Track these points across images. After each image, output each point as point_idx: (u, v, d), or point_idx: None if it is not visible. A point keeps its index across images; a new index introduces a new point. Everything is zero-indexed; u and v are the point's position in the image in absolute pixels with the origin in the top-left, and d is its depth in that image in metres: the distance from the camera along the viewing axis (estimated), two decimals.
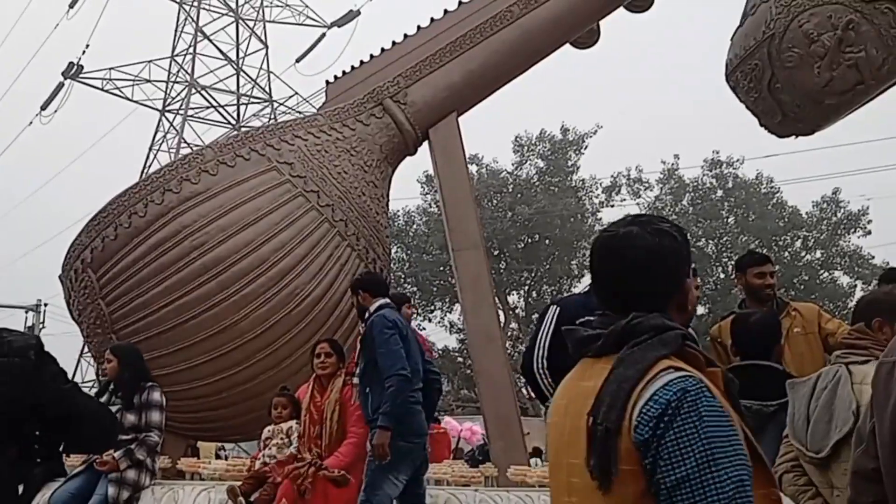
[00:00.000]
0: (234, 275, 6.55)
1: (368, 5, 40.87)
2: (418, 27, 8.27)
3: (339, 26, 39.11)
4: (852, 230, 28.86)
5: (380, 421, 4.74)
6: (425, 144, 8.16)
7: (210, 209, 6.63)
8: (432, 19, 8.27)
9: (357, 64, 8.22)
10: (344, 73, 8.21)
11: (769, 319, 4.42)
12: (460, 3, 8.28)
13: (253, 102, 37.52)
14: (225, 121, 36.43)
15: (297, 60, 38.68)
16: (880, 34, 7.12)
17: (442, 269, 28.21)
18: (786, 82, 7.46)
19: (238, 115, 36.79)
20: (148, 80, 35.75)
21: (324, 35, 39.06)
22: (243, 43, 37.54)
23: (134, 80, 35.65)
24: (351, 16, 38.96)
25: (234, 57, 37.21)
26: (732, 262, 29.25)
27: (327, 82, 8.30)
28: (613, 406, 1.69)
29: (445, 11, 8.26)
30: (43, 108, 36.90)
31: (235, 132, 35.53)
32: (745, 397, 3.11)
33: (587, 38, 8.76)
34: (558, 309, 4.51)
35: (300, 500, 4.92)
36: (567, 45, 8.67)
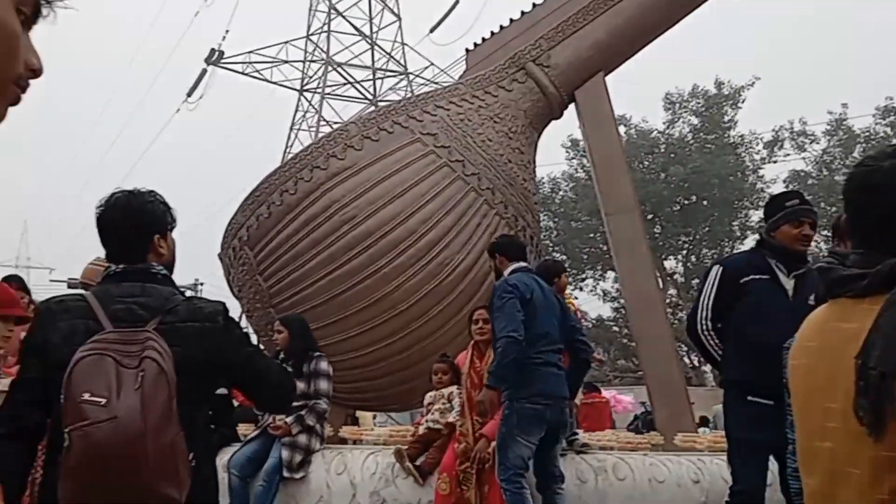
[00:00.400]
0: (383, 247, 6.72)
1: None
2: None
3: None
4: None
5: (487, 380, 4.95)
6: (571, 107, 8.11)
7: (357, 183, 6.84)
8: None
9: (496, 29, 8.23)
10: (484, 39, 8.24)
11: None
12: None
13: (389, 76, 38.12)
14: (362, 96, 37.22)
15: (431, 31, 39.02)
16: None
17: (591, 235, 27.88)
18: None
19: (374, 89, 37.49)
20: (286, 61, 36.95)
21: (457, 3, 39.15)
22: (376, 17, 38.10)
23: (272, 62, 36.95)
24: None
25: (367, 32, 37.86)
26: None
27: (467, 50, 8.36)
28: (890, 350, 1.59)
29: None
30: (189, 94, 38.90)
31: (374, 107, 36.36)
32: None
33: None
34: (721, 269, 4.49)
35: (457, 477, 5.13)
36: None
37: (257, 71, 36.87)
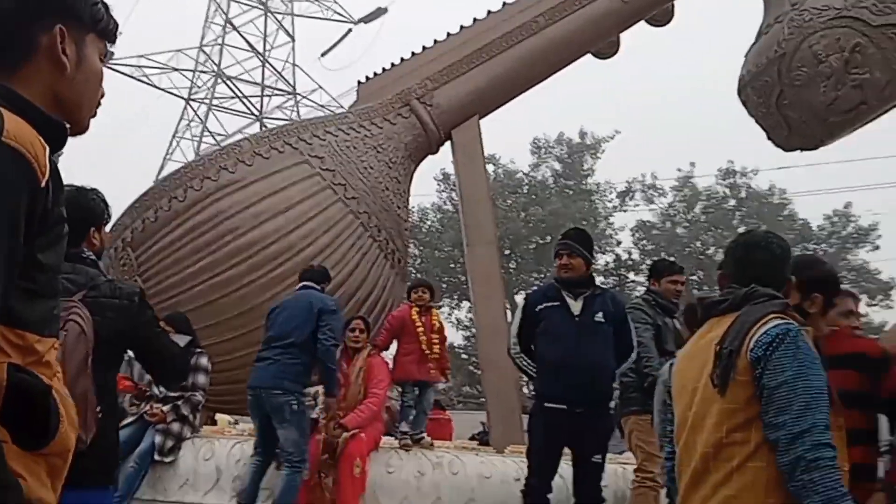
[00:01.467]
0: (263, 258, 6.95)
1: (396, 4, 41.25)
2: (448, 34, 8.67)
3: (365, 23, 39.63)
4: (861, 244, 29.09)
5: None
6: (447, 144, 8.59)
7: (245, 197, 7.05)
8: (462, 27, 8.67)
9: (388, 66, 8.63)
10: (375, 74, 8.63)
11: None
12: (489, 12, 8.68)
13: (277, 94, 38.03)
14: (248, 111, 36.95)
15: (323, 55, 39.27)
16: (885, 58, 7.49)
17: (452, 265, 28.59)
18: (793, 99, 7.85)
19: (261, 105, 37.31)
20: (176, 69, 36.34)
21: (350, 31, 39.59)
22: (270, 36, 38.13)
23: (162, 69, 36.24)
24: (378, 13, 39.46)
25: (260, 49, 37.72)
26: None
27: (359, 82, 8.72)
28: (736, 337, 2.45)
29: (475, 20, 8.66)
30: None
31: (259, 123, 36.06)
32: None
33: (608, 48, 9.14)
34: (525, 301, 5.51)
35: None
36: (589, 55, 9.06)
37: (146, 76, 36.00)
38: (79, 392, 2.45)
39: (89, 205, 2.99)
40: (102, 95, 1.61)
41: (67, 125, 1.52)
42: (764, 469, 2.35)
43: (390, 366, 6.46)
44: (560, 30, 8.49)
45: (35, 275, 1.39)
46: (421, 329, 6.44)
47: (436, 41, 8.71)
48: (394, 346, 6.63)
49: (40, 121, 1.42)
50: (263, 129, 36.68)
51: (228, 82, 36.86)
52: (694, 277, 29.44)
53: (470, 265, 8.38)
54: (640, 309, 5.85)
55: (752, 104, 8.36)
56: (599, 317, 5.24)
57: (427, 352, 6.50)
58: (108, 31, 1.60)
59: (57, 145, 1.47)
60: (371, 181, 7.63)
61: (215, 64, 36.67)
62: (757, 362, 2.37)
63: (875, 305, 28.75)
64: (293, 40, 38.47)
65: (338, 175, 7.44)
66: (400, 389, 6.78)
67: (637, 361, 5.58)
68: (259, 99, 37.77)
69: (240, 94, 37.07)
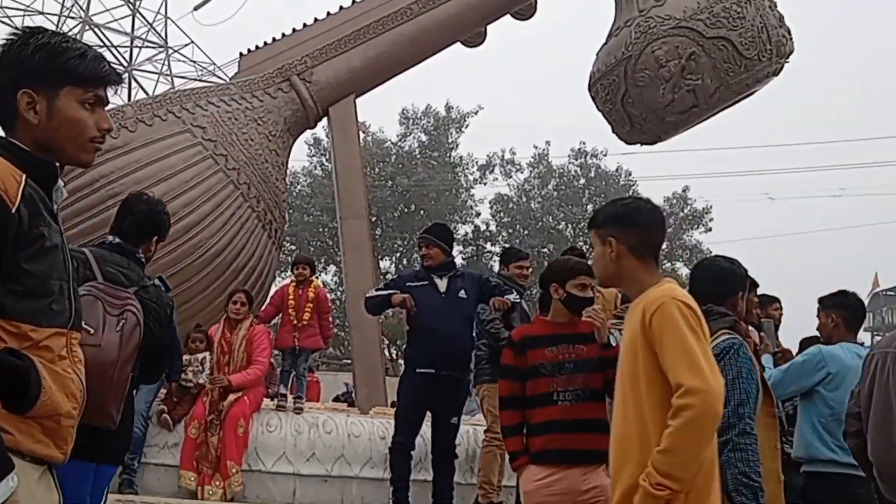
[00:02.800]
0: None
1: None
2: (328, 13, 8.83)
3: None
4: (696, 226, 31.08)
5: None
6: (324, 120, 8.81)
7: (126, 162, 7.04)
8: (341, 7, 8.85)
9: (269, 39, 8.72)
10: (257, 46, 8.69)
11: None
12: None
13: (147, 46, 36.49)
14: (117, 62, 35.28)
15: (196, 9, 37.90)
16: (715, 66, 8.28)
17: (320, 230, 28.62)
18: (636, 98, 8.55)
19: (131, 57, 35.73)
20: (41, 13, 34.21)
21: None
22: None
23: (25, 11, 34.05)
24: None
25: None
26: (588, 246, 31.06)
27: (241, 54, 8.76)
28: None
29: (353, 1, 8.86)
30: None
31: (127, 74, 34.48)
32: None
33: (476, 38, 9.55)
34: (396, 276, 6.37)
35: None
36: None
37: (8, 17, 33.65)
38: (123, 377, 2.81)
39: (159, 218, 3.47)
40: (102, 130, 1.94)
41: (58, 163, 1.88)
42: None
43: (272, 335, 6.85)
44: (432, 18, 8.75)
45: (22, 279, 1.70)
46: (292, 302, 6.96)
47: (316, 19, 8.85)
48: None
49: (31, 162, 1.78)
50: (133, 80, 35.38)
51: (96, 30, 35.06)
52: (545, 250, 30.67)
53: (343, 236, 8.68)
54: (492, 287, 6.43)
55: (600, 100, 9.00)
56: (462, 294, 5.96)
57: (296, 322, 7.02)
58: (86, 79, 1.90)
59: (51, 179, 1.84)
60: (251, 153, 7.74)
61: (83, 10, 34.79)
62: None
63: None
64: None
65: (219, 145, 7.52)
66: (279, 355, 7.22)
67: (491, 335, 6.19)
68: (128, 50, 36.16)
69: (108, 44, 35.30)
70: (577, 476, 3.81)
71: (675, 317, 2.57)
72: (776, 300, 6.95)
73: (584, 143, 30.43)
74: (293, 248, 28.77)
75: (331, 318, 7.63)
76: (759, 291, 6.54)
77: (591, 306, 4.09)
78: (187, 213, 7.19)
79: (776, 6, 8.59)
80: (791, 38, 8.70)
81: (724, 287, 3.52)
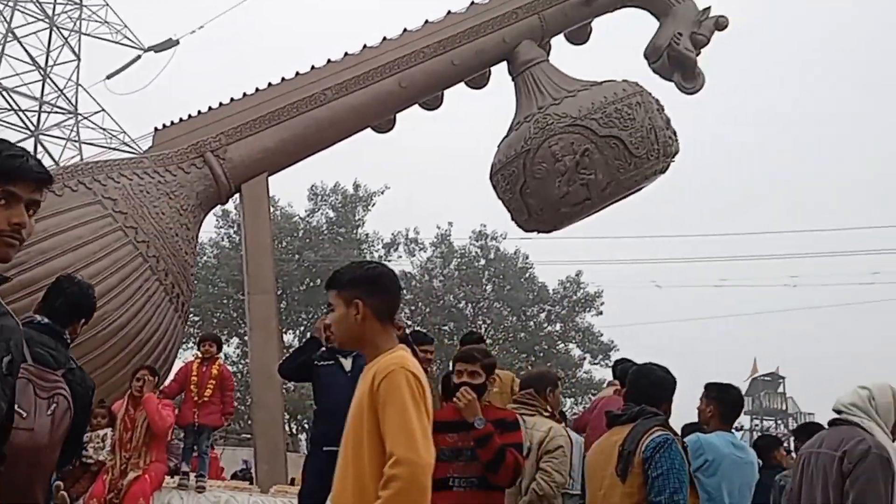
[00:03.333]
0: None
1: (188, 37, 40.04)
2: (244, 93, 8.96)
3: (155, 52, 38.21)
4: (587, 309, 31.90)
5: None
6: (236, 196, 8.85)
7: (34, 233, 6.88)
8: (257, 88, 8.99)
9: (185, 116, 8.76)
10: (172, 122, 8.70)
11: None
12: (283, 79, 9.07)
13: (56, 112, 35.54)
14: (24, 126, 34.25)
15: (108, 77, 37.37)
16: (607, 163, 8.78)
17: (225, 301, 28.07)
18: (534, 190, 8.94)
19: (38, 122, 34.71)
20: None
21: (139, 57, 38.01)
22: (55, 51, 35.60)
23: None
24: (169, 44, 38.21)
25: (42, 63, 35.20)
26: (487, 324, 31.48)
27: (156, 129, 8.75)
28: (633, 441, 3.61)
29: (269, 84, 9.02)
30: None
31: (35, 140, 33.51)
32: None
33: (386, 124, 9.83)
34: None
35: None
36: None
37: None
38: (52, 461, 2.76)
39: (88, 301, 3.42)
40: (11, 225, 1.97)
41: None
42: None
43: (176, 411, 6.68)
44: (344, 104, 8.98)
45: None
46: (195, 378, 6.86)
47: (232, 99, 8.95)
48: None
49: None
50: (39, 146, 34.33)
51: (4, 94, 34.02)
52: (445, 328, 30.88)
53: (250, 311, 8.63)
54: None
55: (500, 189, 9.37)
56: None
57: (197, 399, 6.93)
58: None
59: None
60: (162, 226, 7.68)
61: None
62: (646, 461, 3.58)
63: (597, 364, 31.56)
64: (78, 59, 36.14)
65: (129, 218, 7.43)
66: (181, 433, 7.05)
67: None
68: (36, 114, 35.14)
69: (16, 108, 34.28)
70: None
71: (401, 386, 2.56)
72: None
73: (484, 226, 31.08)
74: (197, 318, 28.04)
75: (233, 396, 7.51)
76: None
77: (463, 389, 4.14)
78: (93, 284, 7.01)
79: (663, 109, 9.21)
80: (677, 139, 9.33)
81: (660, 393, 3.95)
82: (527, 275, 31.62)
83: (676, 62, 9.53)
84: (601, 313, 31.69)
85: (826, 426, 3.99)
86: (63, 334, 3.23)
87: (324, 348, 6.23)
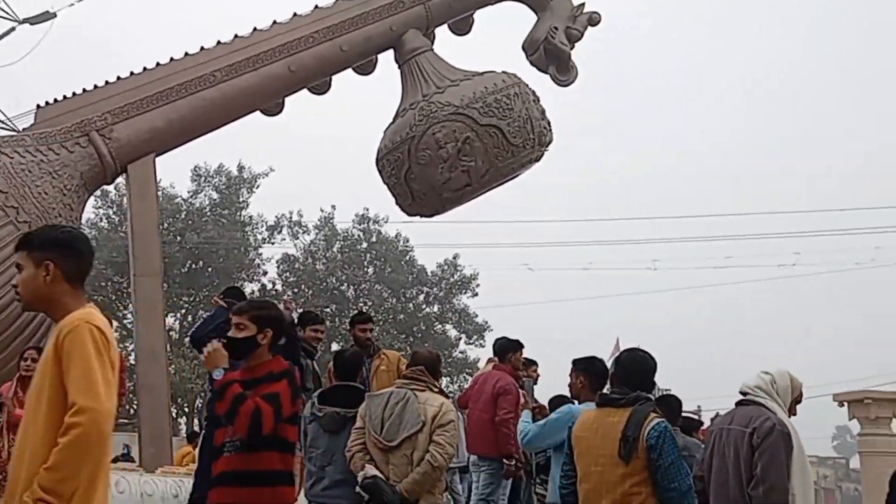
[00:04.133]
0: None
1: (65, 11, 37.71)
2: (131, 72, 8.63)
3: (31, 24, 35.81)
4: (464, 291, 32.43)
5: None
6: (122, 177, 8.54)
7: None
8: (145, 68, 8.67)
9: (69, 94, 8.35)
10: (56, 100, 8.28)
11: (356, 356, 5.79)
12: (171, 59, 8.80)
13: None
14: None
15: None
16: (487, 150, 8.99)
17: (104, 284, 26.87)
18: (418, 175, 9.07)
19: None
20: None
21: (13, 29, 35.52)
22: None
23: None
24: (46, 16, 35.77)
25: None
26: (368, 306, 31.45)
27: (38, 106, 8.31)
28: (636, 427, 3.88)
29: (157, 63, 8.72)
30: None
31: None
32: (337, 405, 4.66)
33: (275, 108, 9.69)
34: None
35: None
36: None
37: None
38: None
39: None
40: None
41: None
42: None
43: None
44: (234, 86, 8.76)
45: None
46: None
47: (119, 77, 8.59)
48: None
49: None
50: None
51: None
52: (328, 310, 30.67)
53: (135, 294, 8.37)
54: None
55: (385, 173, 9.44)
56: None
57: None
58: None
59: None
60: (44, 206, 7.31)
61: None
62: (652, 448, 3.86)
63: (472, 344, 32.16)
64: None
65: (10, 197, 7.04)
66: None
67: None
68: None
69: None
70: None
71: (85, 340, 2.56)
72: (534, 363, 7.64)
73: (367, 210, 30.99)
74: None
75: (125, 377, 7.28)
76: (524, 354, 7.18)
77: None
78: None
79: (539, 100, 9.51)
80: (551, 129, 9.65)
81: (650, 379, 4.24)
82: (407, 257, 31.81)
83: (552, 55, 9.85)
84: (476, 295, 32.30)
85: (735, 405, 4.59)
86: None
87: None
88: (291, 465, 3.81)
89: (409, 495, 4.55)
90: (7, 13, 34.95)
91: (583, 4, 9.87)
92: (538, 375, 7.12)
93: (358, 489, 4.60)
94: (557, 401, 6.16)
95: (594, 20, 9.86)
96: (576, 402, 5.31)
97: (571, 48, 9.83)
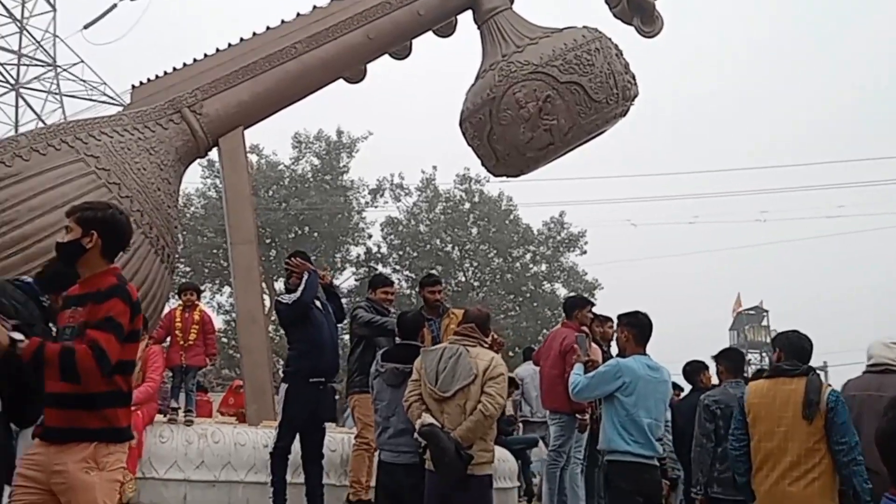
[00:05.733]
0: (38, 251, 7.02)
1: None
2: (217, 49, 9.26)
3: (131, 0, 37.99)
4: (572, 249, 32.46)
5: None
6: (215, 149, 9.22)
7: (21, 190, 7.24)
8: (229, 44, 9.29)
9: (161, 73, 9.08)
10: (149, 79, 9.01)
11: (418, 318, 6.34)
12: (254, 33, 9.37)
13: (35, 65, 35.39)
14: (3, 79, 34.15)
15: (86, 27, 37.15)
16: (569, 108, 9.15)
17: (214, 251, 28.48)
18: (500, 135, 9.33)
19: (18, 75, 34.60)
20: None
21: (115, 6, 37.75)
22: (29, 2, 35.33)
23: None
24: None
25: (18, 15, 34.94)
26: (474, 267, 32.03)
27: (133, 86, 9.06)
28: (815, 392, 4.84)
29: (241, 39, 9.31)
30: None
31: (16, 93, 33.41)
32: (398, 362, 5.19)
33: (357, 75, 10.16)
34: None
35: None
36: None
37: None
38: None
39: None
40: None
41: None
42: (829, 464, 4.77)
43: (165, 354, 7.24)
44: (314, 57, 9.26)
45: None
46: (179, 324, 7.42)
47: (206, 55, 9.25)
48: None
49: None
50: (20, 98, 34.19)
51: None
52: (434, 270, 31.41)
53: (233, 261, 9.07)
54: (360, 307, 7.15)
55: (469, 136, 9.75)
56: (329, 308, 6.81)
57: (182, 343, 7.58)
58: None
59: None
60: (144, 181, 8.06)
61: None
62: (831, 410, 4.76)
63: None
64: (54, 9, 35.86)
65: (112, 174, 7.80)
66: (170, 373, 7.64)
67: (377, 327, 6.92)
68: (15, 67, 34.99)
69: None
70: (52, 454, 3.32)
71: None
72: (609, 319, 7.89)
73: (468, 169, 31.38)
74: (188, 269, 28.54)
75: (214, 338, 8.09)
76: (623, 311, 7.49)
77: None
78: None
79: (622, 54, 9.55)
80: (636, 83, 9.68)
81: (809, 354, 5.12)
82: (511, 217, 32.07)
83: (636, 6, 9.85)
84: (585, 252, 32.29)
85: (868, 372, 5.64)
86: (39, 295, 3.58)
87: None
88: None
89: (464, 441, 5.03)
90: None
91: None
92: (613, 332, 7.36)
93: (416, 436, 5.10)
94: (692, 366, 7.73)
95: None
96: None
97: None
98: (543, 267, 32.41)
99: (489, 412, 5.08)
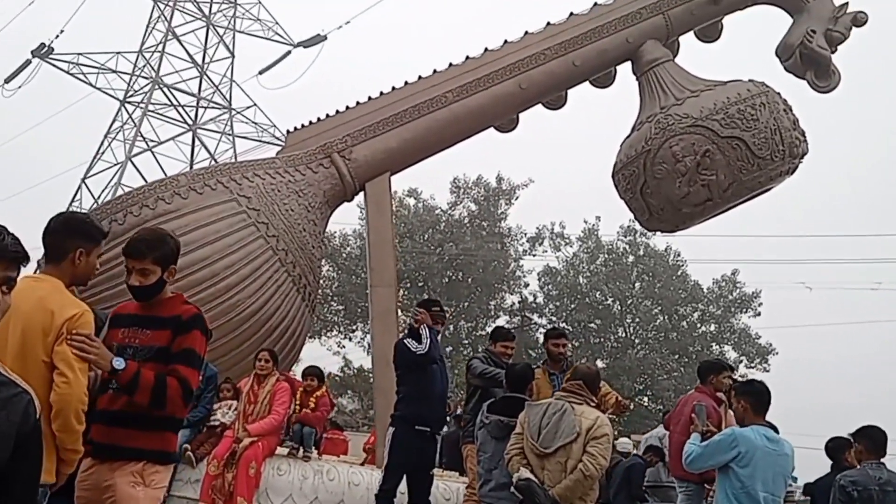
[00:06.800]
0: (189, 283, 7.72)
1: (335, 33, 42.26)
2: (369, 97, 9.83)
3: (304, 47, 40.59)
4: (745, 310, 31.18)
5: None
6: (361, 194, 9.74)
7: (177, 226, 7.93)
8: (381, 92, 9.84)
9: (314, 119, 9.74)
10: (303, 125, 9.71)
11: (527, 370, 6.48)
12: (406, 83, 9.87)
13: (212, 107, 38.51)
14: (182, 120, 37.33)
15: (260, 73, 40.04)
16: (729, 164, 9.00)
17: (367, 291, 29.48)
18: (654, 189, 9.29)
19: (196, 116, 37.74)
20: (114, 71, 36.58)
21: (289, 53, 40.49)
22: (211, 49, 38.59)
23: (100, 69, 36.44)
24: (317, 39, 40.49)
25: (199, 61, 38.25)
26: (636, 323, 31.39)
27: (288, 131, 9.79)
28: None
29: (393, 88, 9.84)
30: (7, 80, 37.58)
31: (192, 133, 36.44)
32: (503, 415, 5.32)
33: (508, 124, 10.44)
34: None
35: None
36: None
37: (83, 74, 36.13)
38: None
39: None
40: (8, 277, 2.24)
41: None
42: None
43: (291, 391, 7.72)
44: (464, 106, 9.65)
45: None
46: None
47: (358, 102, 9.83)
48: None
49: None
50: (196, 139, 37.31)
51: (165, 89, 37.26)
52: (592, 325, 31.07)
53: (372, 303, 9.50)
54: (477, 358, 7.31)
55: (621, 188, 9.75)
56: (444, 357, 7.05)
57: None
58: None
59: None
60: (290, 221, 8.66)
61: (154, 70, 37.06)
62: None
63: (753, 368, 30.83)
64: (233, 56, 39.03)
65: (262, 214, 8.45)
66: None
67: (489, 379, 7.04)
68: (194, 109, 38.21)
69: (175, 103, 37.46)
70: (103, 471, 3.47)
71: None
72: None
73: (633, 221, 30.72)
74: (340, 307, 29.72)
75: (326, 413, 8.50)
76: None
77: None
78: (228, 274, 8.09)
79: (791, 110, 9.28)
80: (805, 140, 9.37)
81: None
82: (678, 272, 31.29)
83: (809, 60, 9.57)
84: (759, 314, 30.92)
85: None
86: None
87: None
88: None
89: (562, 500, 5.13)
90: (283, 37, 39.85)
91: (846, 4, 9.47)
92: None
93: (512, 489, 5.20)
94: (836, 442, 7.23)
95: (860, 21, 9.42)
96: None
97: (833, 51, 9.47)
98: (712, 327, 31.31)
99: (589, 472, 5.16)
